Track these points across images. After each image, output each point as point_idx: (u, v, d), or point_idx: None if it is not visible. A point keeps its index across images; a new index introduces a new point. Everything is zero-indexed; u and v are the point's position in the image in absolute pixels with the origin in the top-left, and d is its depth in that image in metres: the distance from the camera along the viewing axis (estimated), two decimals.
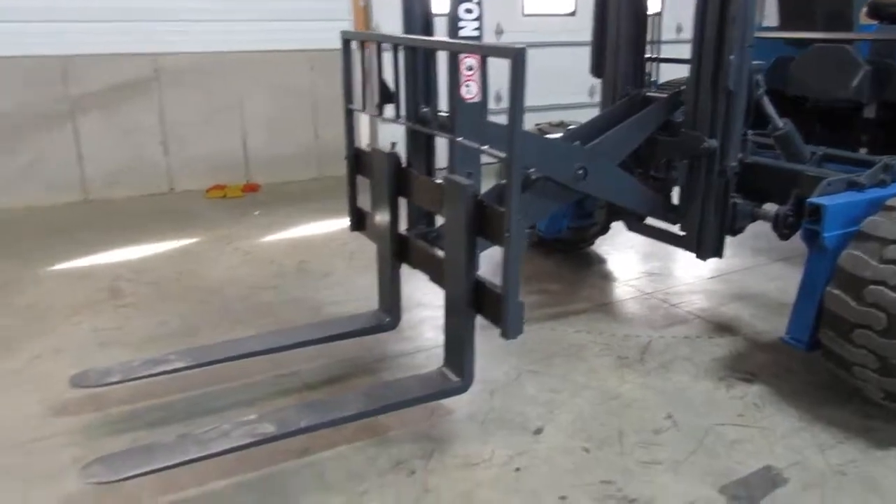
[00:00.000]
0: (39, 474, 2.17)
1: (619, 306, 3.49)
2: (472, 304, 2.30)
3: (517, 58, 1.93)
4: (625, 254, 4.23)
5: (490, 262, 2.62)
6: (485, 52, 2.16)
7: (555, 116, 4.38)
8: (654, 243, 4.01)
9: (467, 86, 2.42)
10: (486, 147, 2.20)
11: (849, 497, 2.09)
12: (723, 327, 3.22)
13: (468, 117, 2.39)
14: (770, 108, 2.95)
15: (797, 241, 2.84)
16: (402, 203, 2.68)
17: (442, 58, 2.45)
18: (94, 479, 1.94)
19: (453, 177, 2.31)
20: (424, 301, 3.41)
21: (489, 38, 6.39)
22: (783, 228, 2.81)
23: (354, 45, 2.78)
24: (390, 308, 2.85)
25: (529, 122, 4.48)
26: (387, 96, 2.71)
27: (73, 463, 2.19)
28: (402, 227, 2.74)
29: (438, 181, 2.43)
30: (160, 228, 4.61)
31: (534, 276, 3.80)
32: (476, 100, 2.40)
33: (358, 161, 2.94)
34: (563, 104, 6.65)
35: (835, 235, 2.46)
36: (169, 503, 2.04)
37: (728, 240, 2.99)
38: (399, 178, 2.66)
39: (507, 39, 6.50)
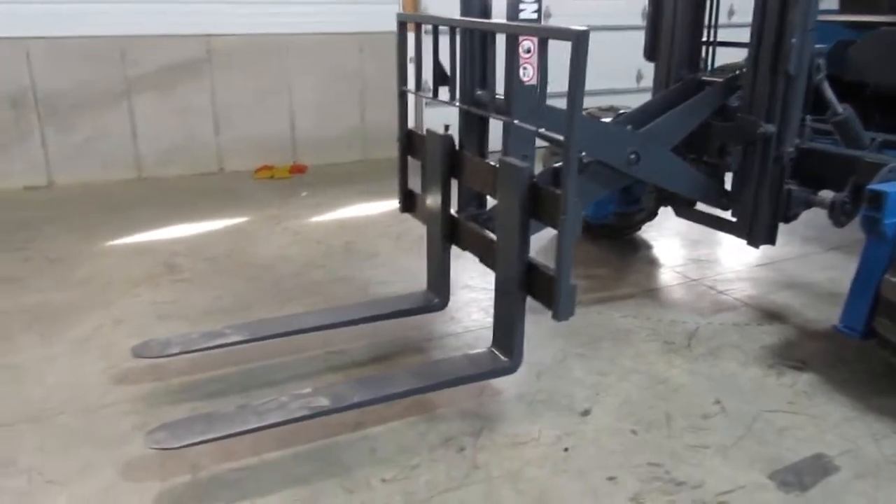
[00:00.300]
0: (105, 439, 2.26)
1: (666, 292, 3.48)
2: (524, 285, 2.33)
3: (579, 39, 1.93)
4: (671, 240, 4.20)
5: (535, 245, 2.64)
6: (546, 34, 2.16)
7: (601, 101, 4.36)
8: (700, 230, 3.98)
9: (524, 68, 2.44)
10: (542, 130, 2.21)
11: None
12: (772, 315, 3.20)
13: (525, 100, 2.41)
14: (830, 93, 2.90)
15: (849, 231, 2.81)
16: (453, 185, 2.72)
17: (498, 40, 2.47)
18: (158, 444, 2.02)
19: (509, 159, 2.33)
20: (471, 283, 3.44)
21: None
22: (840, 216, 2.77)
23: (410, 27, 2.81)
24: (439, 289, 2.89)
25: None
26: (442, 79, 2.73)
27: (134, 430, 2.28)
28: (453, 208, 2.77)
29: (493, 163, 2.46)
30: (211, 207, 4.73)
31: (580, 261, 3.80)
32: (533, 82, 2.42)
33: (410, 142, 2.97)
34: (609, 89, 6.58)
35: (895, 223, 2.42)
36: (228, 470, 2.12)
37: (785, 223, 2.95)
38: (452, 160, 2.69)
39: (555, 23, 6.45)
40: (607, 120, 3.34)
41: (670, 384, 2.61)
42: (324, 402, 2.17)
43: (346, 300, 3.19)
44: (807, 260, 3.87)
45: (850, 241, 3.93)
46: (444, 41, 2.55)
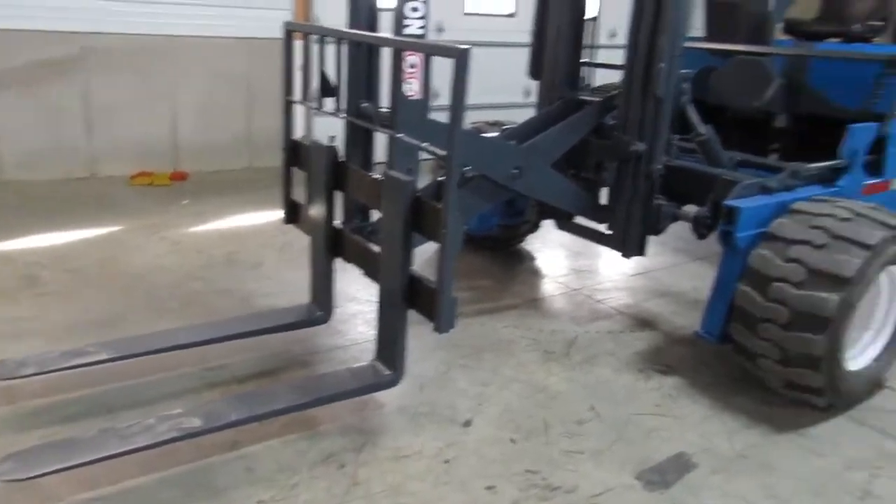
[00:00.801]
0: None
1: (548, 302, 3.60)
2: (406, 298, 2.35)
3: (461, 58, 1.98)
4: (554, 251, 4.35)
5: (420, 258, 2.67)
6: (429, 51, 2.20)
7: (490, 115, 4.46)
8: (582, 241, 4.15)
9: (409, 83, 2.46)
10: (425, 144, 2.25)
11: (748, 478, 2.24)
12: (644, 322, 3.38)
13: (409, 114, 2.43)
14: (694, 115, 3.11)
15: (713, 242, 3.01)
16: (338, 197, 2.70)
17: (384, 54, 2.49)
18: (4, 476, 1.87)
19: (392, 172, 2.34)
20: (358, 295, 3.43)
21: (430, 37, 6.42)
22: (701, 229, 2.97)
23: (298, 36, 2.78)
24: (322, 302, 2.86)
25: (465, 121, 4.59)
26: (328, 89, 2.71)
27: None
28: (337, 220, 2.76)
29: (377, 176, 2.46)
30: (81, 214, 4.45)
31: (464, 272, 3.87)
32: (417, 97, 2.45)
33: (295, 153, 2.93)
34: (498, 103, 6.74)
35: (747, 236, 2.62)
36: (87, 500, 1.99)
37: (651, 239, 3.13)
38: (336, 172, 2.68)
39: (448, 38, 6.55)
40: (493, 134, 3.42)
41: (549, 392, 2.71)
42: (196, 422, 2.09)
43: (227, 313, 3.08)
44: (676, 269, 4.12)
45: (714, 251, 4.22)
46: (333, 51, 2.55)
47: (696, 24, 4.20)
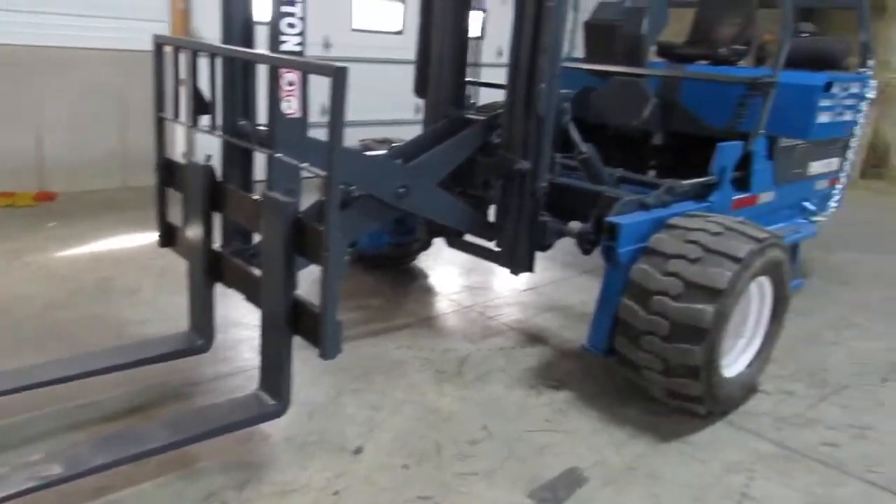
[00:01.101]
0: None
1: (440, 320, 3.58)
2: (290, 323, 2.25)
3: (338, 76, 1.93)
4: (447, 268, 4.35)
5: (308, 279, 2.58)
6: (305, 69, 2.13)
7: (381, 132, 4.43)
8: (472, 258, 4.18)
9: (288, 101, 2.38)
10: (305, 164, 2.18)
11: (637, 489, 2.30)
12: (535, 338, 3.42)
13: (288, 133, 2.35)
14: (575, 134, 3.19)
15: (599, 256, 3.09)
16: (218, 219, 2.57)
17: (262, 70, 2.39)
18: None
19: (271, 193, 2.25)
20: (243, 321, 3.28)
21: (317, 52, 6.33)
22: (585, 244, 3.04)
23: (169, 50, 2.63)
24: (203, 329, 2.71)
25: (354, 138, 4.53)
26: (202, 106, 2.58)
27: None
28: (217, 243, 2.62)
29: (256, 197, 2.36)
30: None
31: (355, 292, 3.80)
32: (296, 115, 2.36)
33: (169, 173, 2.77)
34: (389, 120, 6.73)
35: (628, 251, 2.71)
36: None
37: (540, 254, 3.17)
38: (214, 193, 2.55)
39: (335, 54, 6.47)
40: (380, 152, 3.38)
41: (441, 413, 2.67)
42: (56, 468, 1.90)
43: (97, 345, 2.85)
44: (564, 284, 4.21)
45: (600, 265, 4.34)
46: (208, 67, 2.42)
47: (578, 45, 4.35)
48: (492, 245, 3.30)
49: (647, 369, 2.60)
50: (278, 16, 2.31)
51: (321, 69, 1.99)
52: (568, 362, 3.17)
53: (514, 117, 3.01)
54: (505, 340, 3.37)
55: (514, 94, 2.99)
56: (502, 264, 3.22)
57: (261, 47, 2.47)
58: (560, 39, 2.90)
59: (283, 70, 2.28)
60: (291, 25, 2.35)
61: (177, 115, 2.66)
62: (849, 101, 3.93)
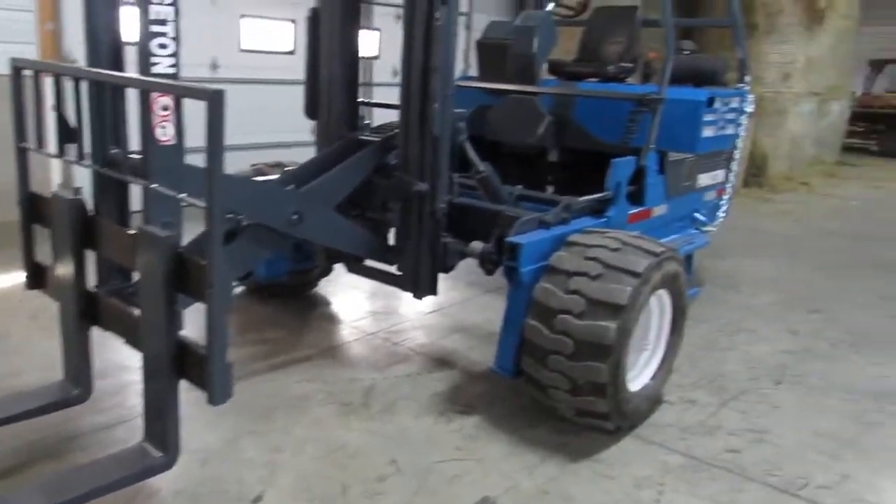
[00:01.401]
0: None
1: (344, 349, 3.45)
2: (175, 367, 2.08)
3: (214, 100, 1.79)
4: (349, 294, 4.22)
5: (199, 314, 2.40)
6: (178, 93, 1.98)
7: (275, 155, 4.27)
8: (374, 282, 4.07)
9: (162, 127, 2.21)
10: (183, 195, 2.02)
11: None
12: (442, 362, 3.35)
13: (163, 161, 2.18)
14: (472, 153, 3.16)
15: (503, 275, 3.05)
16: (92, 256, 2.36)
17: (133, 95, 2.22)
18: None
19: (148, 227, 2.08)
20: (128, 364, 3.03)
21: (204, 74, 6.07)
22: (488, 265, 3.00)
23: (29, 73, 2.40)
24: (79, 377, 2.47)
25: (246, 162, 4.34)
26: (68, 135, 2.36)
27: None
28: (91, 283, 2.40)
29: (132, 231, 2.17)
30: None
31: (252, 324, 3.61)
32: (172, 142, 2.20)
33: (34, 207, 2.52)
34: (283, 142, 6.55)
35: (530, 270, 2.68)
36: None
37: (443, 275, 3.10)
38: (85, 228, 2.33)
39: (224, 75, 6.23)
40: (272, 177, 3.23)
41: (347, 449, 2.54)
42: None
43: None
44: (470, 303, 4.17)
45: (505, 283, 4.34)
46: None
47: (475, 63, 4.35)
48: (393, 269, 3.21)
49: (554, 389, 2.57)
50: (147, 36, 2.14)
51: (196, 93, 1.85)
52: (476, 385, 3.11)
53: (409, 138, 2.94)
54: (411, 367, 3.27)
55: (408, 114, 2.92)
56: (405, 288, 3.13)
57: (132, 70, 2.29)
58: (451, 58, 2.86)
59: (156, 94, 2.12)
60: (163, 46, 2.19)
61: (40, 144, 2.42)
62: (730, 116, 4.11)
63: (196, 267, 1.97)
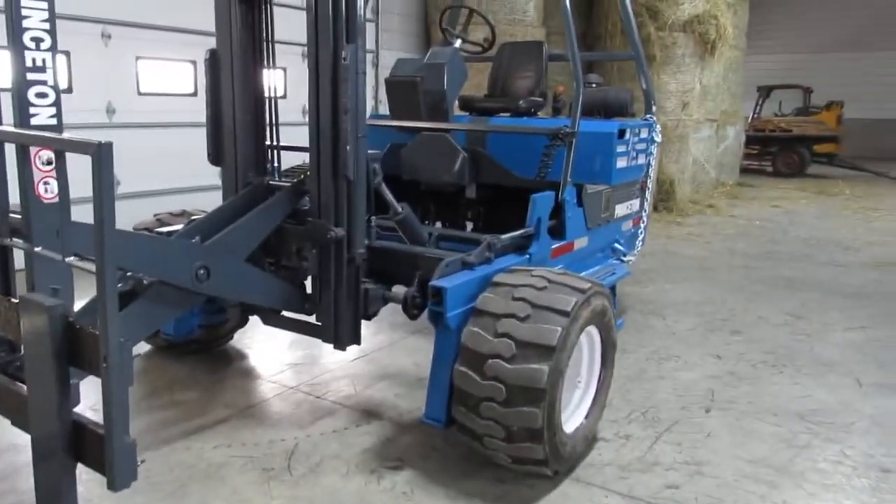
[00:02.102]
0: None
1: (263, 407, 3.23)
2: (69, 450, 1.85)
3: (101, 153, 1.62)
4: (267, 345, 4.00)
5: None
6: (61, 147, 1.78)
7: (179, 201, 4.03)
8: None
9: (46, 183, 2.00)
10: (71, 258, 1.81)
11: None
12: (370, 413, 3.18)
13: (47, 221, 1.97)
14: (388, 194, 3.05)
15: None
16: None
17: (9, 149, 2.00)
18: None
19: (32, 295, 1.86)
20: (16, 442, 2.72)
21: (100, 119, 5.75)
22: (412, 309, 2.88)
23: None
24: None
25: (149, 210, 4.08)
26: None
27: None
28: None
29: (14, 300, 1.94)
30: None
31: (162, 386, 3.34)
32: (56, 199, 1.99)
33: None
34: (188, 187, 6.27)
35: (456, 314, 2.58)
36: None
37: (367, 321, 2.97)
38: None
39: (121, 120, 5.92)
40: (178, 227, 3.02)
41: None
42: None
43: None
44: (395, 347, 4.03)
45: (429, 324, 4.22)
46: None
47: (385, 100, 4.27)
48: (312, 319, 3.04)
49: (489, 437, 2.46)
50: (25, 84, 1.94)
51: (80, 146, 1.67)
52: (408, 437, 2.96)
53: (321, 182, 2.81)
54: (336, 421, 3.09)
55: (319, 157, 2.79)
56: (325, 339, 2.96)
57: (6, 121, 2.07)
58: (361, 98, 2.76)
59: (37, 149, 1.92)
60: (42, 95, 1.99)
61: None
62: (640, 146, 4.19)
63: (88, 337, 1.76)
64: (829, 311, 4.92)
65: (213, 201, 3.28)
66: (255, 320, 3.79)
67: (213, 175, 6.49)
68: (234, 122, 3.05)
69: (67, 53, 5.44)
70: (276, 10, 3.09)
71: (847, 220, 8.92)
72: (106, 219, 1.65)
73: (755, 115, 15.21)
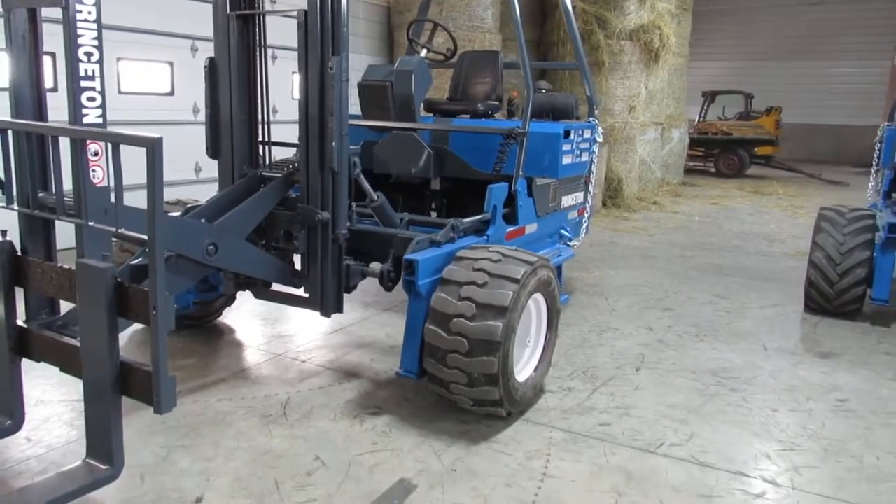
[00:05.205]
0: None
1: (256, 370, 3.69)
2: (118, 386, 2.30)
3: (154, 147, 2.07)
4: (251, 321, 4.45)
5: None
6: (119, 140, 2.23)
7: (168, 194, 4.42)
8: (276, 309, 4.38)
9: (93, 170, 2.45)
10: (122, 230, 2.27)
11: (460, 486, 2.64)
12: (349, 373, 3.67)
13: (98, 202, 2.41)
14: (366, 184, 3.55)
15: (398, 294, 3.45)
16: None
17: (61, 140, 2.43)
18: None
19: (88, 261, 2.29)
20: (44, 398, 3.14)
21: None
22: (388, 282, 3.40)
23: None
24: (10, 409, 2.60)
25: (142, 201, 4.48)
26: None
27: None
28: (20, 319, 2.56)
29: (68, 267, 2.38)
30: None
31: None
32: (104, 183, 2.44)
33: None
34: (169, 181, 6.62)
35: (426, 283, 3.09)
36: None
37: (347, 293, 3.45)
38: (14, 268, 2.50)
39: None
40: (176, 213, 3.45)
41: (274, 452, 2.82)
42: None
43: None
44: (368, 322, 4.52)
45: (397, 301, 4.74)
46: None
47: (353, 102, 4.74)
48: (300, 292, 3.51)
49: (454, 384, 2.98)
50: (79, 90, 2.38)
51: (136, 140, 2.13)
52: (384, 391, 3.47)
53: (310, 173, 3.28)
54: (322, 380, 3.58)
55: (308, 151, 3.27)
56: (313, 308, 3.45)
57: (60, 122, 2.51)
58: (345, 101, 3.24)
59: (88, 141, 2.36)
60: (92, 98, 2.43)
61: None
62: (584, 145, 4.77)
63: (138, 293, 2.22)
64: (749, 293, 5.59)
65: (187, 193, 3.67)
66: (239, 301, 4.26)
67: (189, 171, 6.89)
68: (231, 121, 3.50)
69: (53, 55, 5.77)
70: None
71: (776, 216, 9.73)
72: (157, 200, 2.11)
73: (701, 119, 16.09)
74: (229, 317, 4.45)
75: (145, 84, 6.73)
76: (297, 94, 3.37)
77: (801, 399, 3.54)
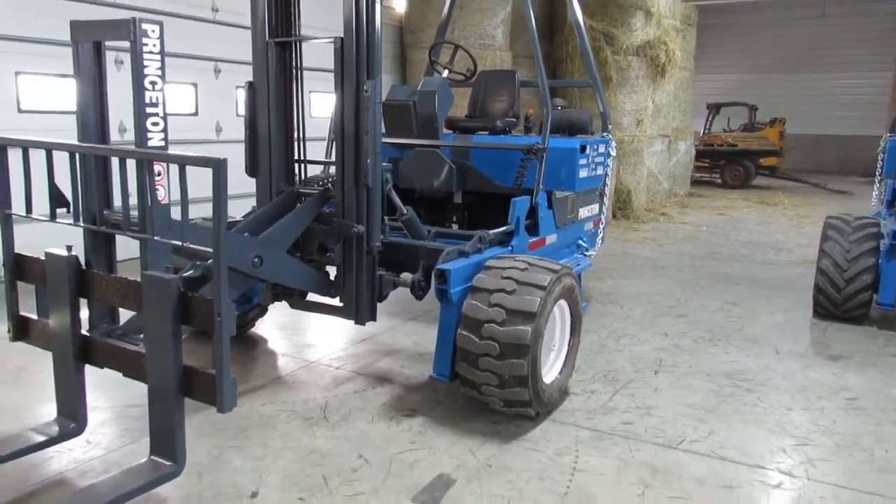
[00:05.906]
0: None
1: (292, 376, 3.88)
2: (181, 388, 2.49)
3: (219, 167, 2.28)
4: (281, 332, 4.64)
5: None
6: (185, 162, 2.44)
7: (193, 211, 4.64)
8: (303, 319, 4.56)
9: (157, 189, 2.65)
10: (186, 244, 2.47)
11: (496, 479, 2.81)
12: (382, 379, 3.86)
13: (161, 218, 2.62)
14: (396, 199, 3.75)
15: (419, 305, 3.63)
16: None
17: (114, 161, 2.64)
18: None
19: (154, 273, 2.49)
20: (96, 405, 3.33)
21: (115, 137, 6.32)
22: (418, 291, 3.59)
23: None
24: (73, 412, 2.79)
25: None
26: (61, 201, 2.75)
27: None
28: (83, 328, 2.76)
29: (133, 279, 2.58)
30: None
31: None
32: (165, 201, 2.65)
33: (20, 267, 2.85)
34: (194, 198, 6.84)
35: (457, 291, 3.29)
36: None
37: (380, 302, 3.64)
38: (79, 280, 2.70)
39: (130, 137, 6.49)
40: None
41: (319, 452, 3.00)
42: None
43: None
44: (395, 331, 4.71)
45: (422, 311, 4.93)
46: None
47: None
48: (335, 301, 3.70)
49: (486, 385, 3.16)
50: (144, 116, 2.59)
51: (202, 161, 2.33)
52: (416, 394, 3.65)
53: (345, 188, 3.48)
54: (356, 385, 3.76)
55: (343, 168, 3.48)
56: (347, 317, 3.63)
57: (126, 146, 2.72)
58: (378, 121, 3.45)
59: (152, 162, 2.57)
60: (156, 123, 2.65)
61: (28, 209, 2.77)
62: (599, 159, 4.97)
63: (202, 302, 2.41)
64: (759, 300, 5.76)
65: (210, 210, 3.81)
66: (270, 314, 4.45)
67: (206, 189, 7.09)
68: (270, 141, 3.72)
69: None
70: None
71: (782, 226, 9.91)
72: (222, 216, 2.31)
73: (706, 131, 16.30)
74: (259, 328, 4.64)
75: (172, 105, 6.98)
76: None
77: (813, 398, 3.71)
